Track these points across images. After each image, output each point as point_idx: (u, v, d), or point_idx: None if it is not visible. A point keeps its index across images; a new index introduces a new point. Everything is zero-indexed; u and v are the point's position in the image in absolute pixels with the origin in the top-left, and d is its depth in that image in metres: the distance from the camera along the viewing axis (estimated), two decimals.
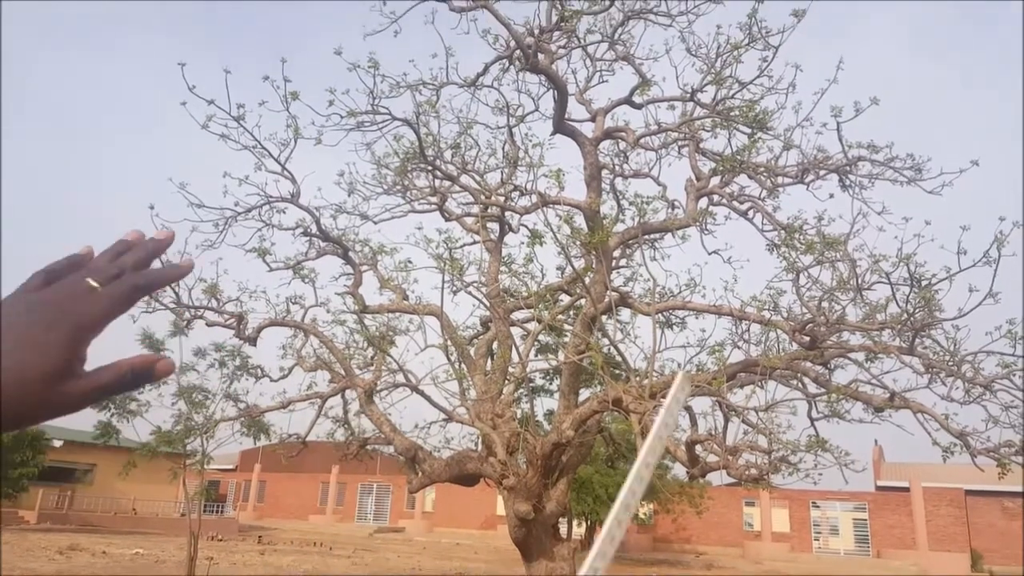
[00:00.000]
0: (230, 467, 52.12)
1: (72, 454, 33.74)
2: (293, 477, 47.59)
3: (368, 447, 11.98)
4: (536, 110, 10.39)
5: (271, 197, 9.93)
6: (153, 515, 35.13)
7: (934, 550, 32.58)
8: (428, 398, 9.86)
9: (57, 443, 31.93)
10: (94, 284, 0.65)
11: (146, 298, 10.24)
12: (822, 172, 9.44)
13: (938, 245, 7.56)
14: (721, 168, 9.48)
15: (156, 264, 0.72)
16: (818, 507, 36.61)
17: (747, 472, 7.75)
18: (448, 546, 33.70)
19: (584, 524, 30.21)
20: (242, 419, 12.20)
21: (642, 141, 9.88)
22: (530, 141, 10.23)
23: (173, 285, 10.15)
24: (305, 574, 17.66)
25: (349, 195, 10.86)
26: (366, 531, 40.41)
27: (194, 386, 12.68)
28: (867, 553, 34.88)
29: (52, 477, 32.02)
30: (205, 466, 13.21)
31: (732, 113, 9.16)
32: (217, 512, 40.68)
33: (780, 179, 9.62)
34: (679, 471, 25.25)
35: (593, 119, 9.87)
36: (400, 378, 10.41)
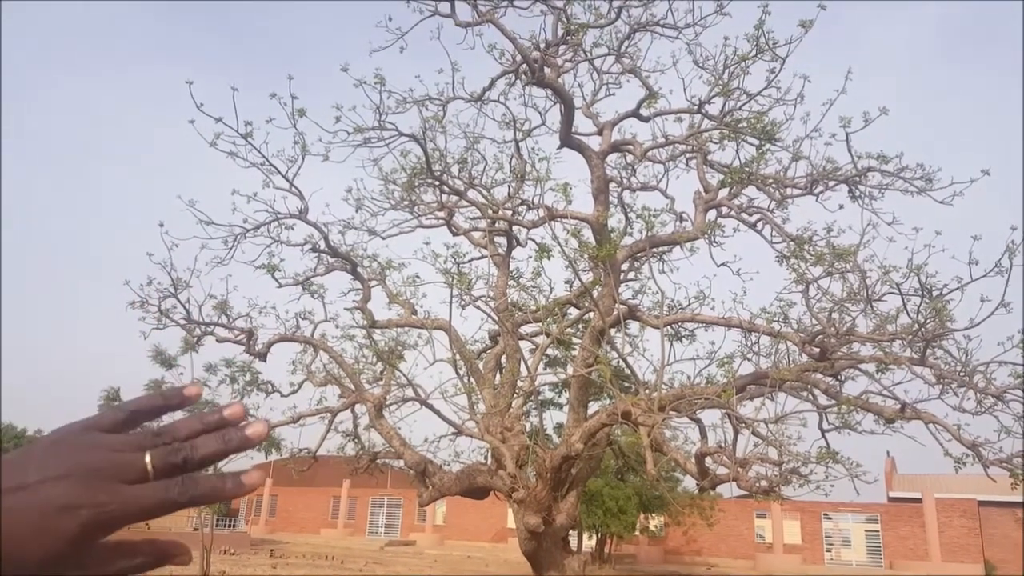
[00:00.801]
0: None
1: None
2: (304, 491, 47.59)
3: (378, 461, 11.99)
4: (543, 124, 10.46)
5: (279, 214, 10.01)
6: (166, 529, 35.13)
7: (947, 561, 32.22)
8: (437, 412, 9.88)
9: None
10: (149, 468, 0.59)
11: (157, 315, 10.29)
12: (831, 183, 9.43)
13: (949, 255, 7.52)
14: (729, 180, 9.48)
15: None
16: (830, 519, 36.29)
17: (757, 484, 7.71)
18: (459, 559, 33.57)
19: (594, 537, 30.05)
20: None
21: (649, 154, 9.91)
22: (537, 155, 10.30)
23: (185, 302, 10.23)
24: None
25: (357, 211, 10.95)
26: (377, 544, 40.32)
27: (205, 402, 12.74)
28: (880, 565, 34.52)
29: None
30: None
31: (740, 125, 9.18)
32: (229, 526, 40.68)
33: (789, 190, 9.61)
34: (689, 484, 25.13)
35: (600, 132, 9.91)
36: (409, 392, 10.44)
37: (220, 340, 11.14)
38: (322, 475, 38.90)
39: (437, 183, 10.60)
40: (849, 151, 8.99)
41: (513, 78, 9.66)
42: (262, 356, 11.24)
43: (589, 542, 30.39)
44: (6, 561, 0.52)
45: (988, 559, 33.38)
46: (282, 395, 12.23)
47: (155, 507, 0.58)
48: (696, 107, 9.32)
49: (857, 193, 9.39)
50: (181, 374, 12.52)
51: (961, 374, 8.12)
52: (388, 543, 41.05)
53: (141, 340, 10.71)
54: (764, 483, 7.72)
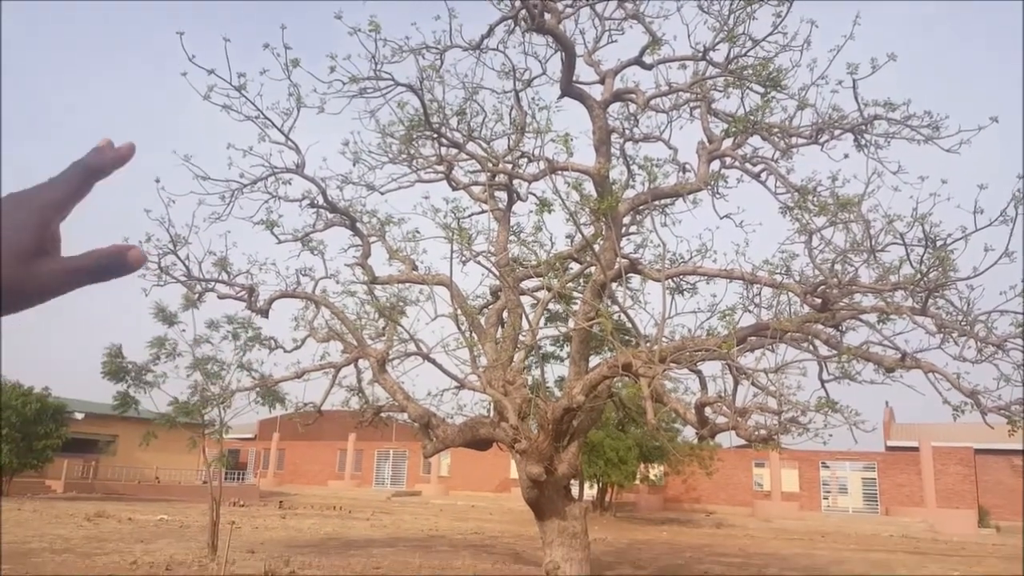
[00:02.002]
0: (249, 436, 52.94)
1: (94, 426, 34.31)
2: (311, 445, 48.30)
3: (383, 415, 12.12)
4: (543, 73, 10.25)
5: (276, 168, 9.90)
6: (176, 483, 35.81)
7: (942, 507, 32.80)
8: (440, 367, 9.93)
9: (79, 415, 32.46)
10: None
11: (157, 272, 10.23)
12: (837, 132, 9.29)
13: (954, 204, 7.46)
14: (733, 129, 9.34)
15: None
16: (827, 467, 36.85)
17: (756, 433, 7.79)
18: (464, 508, 34.24)
19: (595, 486, 30.57)
20: (257, 389, 12.35)
21: (652, 103, 9.74)
22: (537, 105, 10.10)
23: (181, 252, 10.20)
24: (326, 536, 18.02)
25: (354, 165, 10.82)
26: (384, 495, 41.08)
27: (208, 357, 12.83)
28: (875, 511, 35.17)
29: (76, 448, 32.61)
30: (223, 435, 13.43)
31: (745, 72, 8.99)
32: (238, 480, 41.41)
33: (794, 140, 9.48)
34: (689, 434, 25.44)
35: (602, 81, 9.72)
36: (412, 347, 10.48)
37: (221, 297, 11.16)
38: (328, 429, 39.45)
39: (435, 135, 10.45)
40: (856, 99, 8.84)
41: (512, 25, 9.43)
42: (264, 312, 11.27)
43: (590, 491, 30.95)
44: None
45: (982, 505, 33.98)
46: (285, 351, 12.30)
47: (75, 177, 0.67)
48: (700, 54, 9.12)
49: (863, 142, 9.26)
50: (183, 331, 12.59)
51: (962, 323, 8.12)
52: (394, 494, 41.80)
53: (142, 297, 10.73)
54: (763, 432, 7.79)
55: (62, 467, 31.40)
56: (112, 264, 0.66)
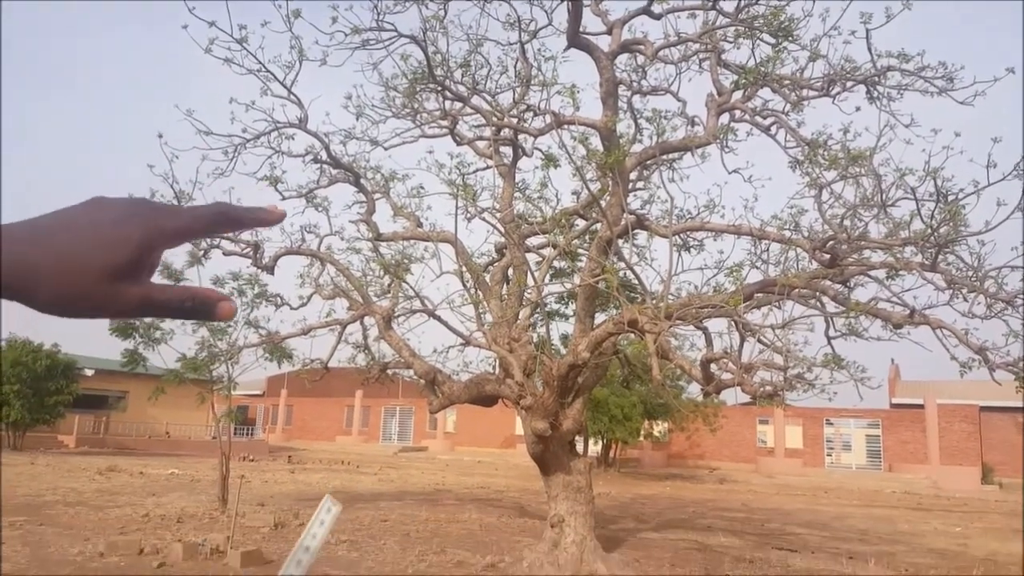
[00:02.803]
0: (258, 393, 53.56)
1: (104, 382, 34.71)
2: (319, 401, 48.84)
3: (389, 371, 12.19)
4: (549, 24, 10.01)
5: (279, 123, 9.79)
6: (186, 438, 36.34)
7: (945, 464, 33.06)
8: (445, 323, 9.94)
9: (88, 372, 32.81)
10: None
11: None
12: (849, 84, 9.09)
13: (967, 158, 7.33)
14: (744, 81, 9.14)
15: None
16: (832, 424, 37.09)
17: (762, 389, 7.80)
18: (470, 463, 34.71)
19: (600, 442, 30.88)
20: (264, 345, 12.41)
21: (661, 54, 9.52)
22: (543, 56, 9.89)
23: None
24: (334, 490, 18.32)
25: (357, 119, 10.67)
26: (390, 451, 41.65)
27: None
28: (879, 468, 35.50)
29: (87, 404, 33.05)
30: (232, 391, 13.55)
31: (756, 21, 8.78)
32: (247, 435, 42.00)
33: (805, 92, 9.29)
34: (693, 391, 25.57)
35: (609, 32, 9.50)
36: (417, 304, 10.48)
37: (227, 253, 11.14)
38: (335, 386, 39.78)
39: (439, 89, 10.28)
40: (869, 49, 8.63)
41: None
42: (269, 269, 11.26)
43: (595, 447, 31.25)
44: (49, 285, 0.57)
45: (986, 462, 34.24)
46: (292, 308, 12.33)
47: (204, 216, 0.63)
48: (711, 2, 8.89)
49: (875, 94, 9.07)
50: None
51: (972, 279, 8.04)
52: (401, 450, 42.37)
53: None
54: (769, 388, 7.80)
55: (74, 423, 31.87)
56: (201, 310, 0.63)
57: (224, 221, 0.64)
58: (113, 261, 0.58)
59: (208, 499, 14.00)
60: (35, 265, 0.57)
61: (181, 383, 13.85)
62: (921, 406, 35.21)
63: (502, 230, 10.57)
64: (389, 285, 11.67)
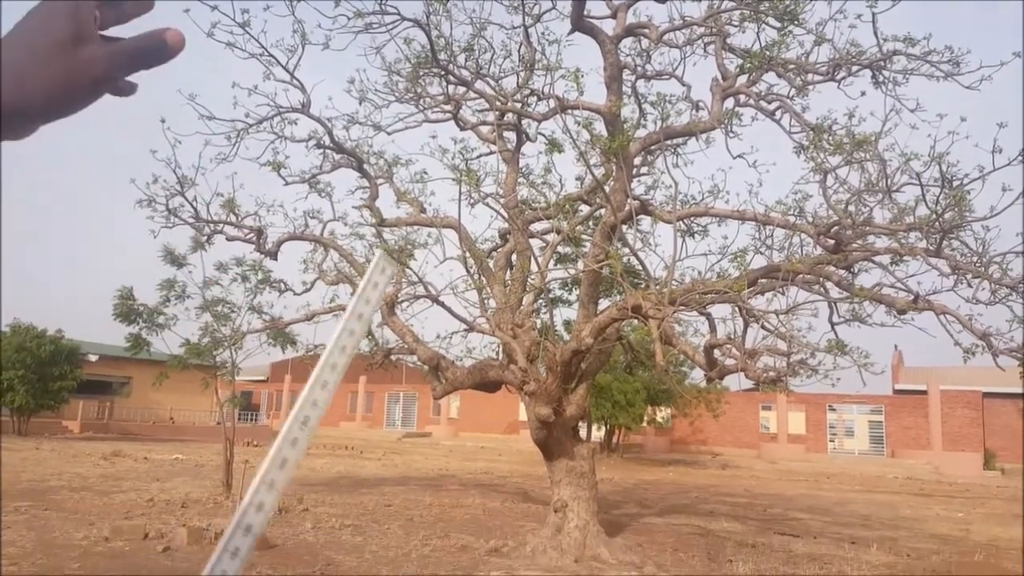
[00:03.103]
0: (262, 378, 53.74)
1: (108, 368, 34.85)
2: None
3: (392, 357, 12.20)
4: (553, 7, 9.94)
5: (282, 107, 9.75)
6: (190, 424, 36.53)
7: (948, 450, 33.12)
8: (449, 309, 9.94)
9: (92, 357, 32.93)
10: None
11: (165, 214, 10.19)
12: (854, 68, 9.03)
13: (973, 143, 7.28)
14: (748, 66, 9.08)
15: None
16: (834, 410, 37.14)
17: (765, 375, 7.80)
18: (473, 449, 34.85)
19: (603, 428, 30.97)
20: (268, 331, 12.44)
21: (665, 38, 9.45)
22: (547, 40, 9.82)
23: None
24: (338, 475, 18.40)
25: (360, 103, 10.62)
26: (394, 436, 41.82)
27: (218, 299, 12.88)
28: (881, 453, 35.57)
29: (91, 390, 33.19)
30: (235, 376, 13.59)
31: (761, 5, 8.70)
32: (251, 421, 42.18)
33: (810, 76, 9.22)
34: (697, 377, 25.60)
35: (614, 15, 9.43)
36: (421, 290, 10.48)
37: (230, 239, 11.14)
38: None
39: (443, 73, 10.23)
40: (875, 33, 8.56)
41: None
42: (272, 255, 11.26)
43: (598, 433, 31.36)
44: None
45: (988, 448, 34.29)
46: (295, 293, 12.35)
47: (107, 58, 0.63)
48: None
49: (881, 79, 9.01)
50: (191, 272, 12.61)
51: (977, 265, 8.00)
52: (404, 435, 42.54)
53: (151, 241, 10.72)
54: (772, 374, 7.80)
55: (78, 408, 32.02)
56: (152, 46, 0.64)
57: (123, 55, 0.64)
58: (60, 31, 0.61)
59: (212, 484, 14.08)
60: None
61: (185, 368, 13.90)
62: (924, 392, 35.23)
63: (506, 216, 10.54)
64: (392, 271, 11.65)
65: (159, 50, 0.64)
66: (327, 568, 7.79)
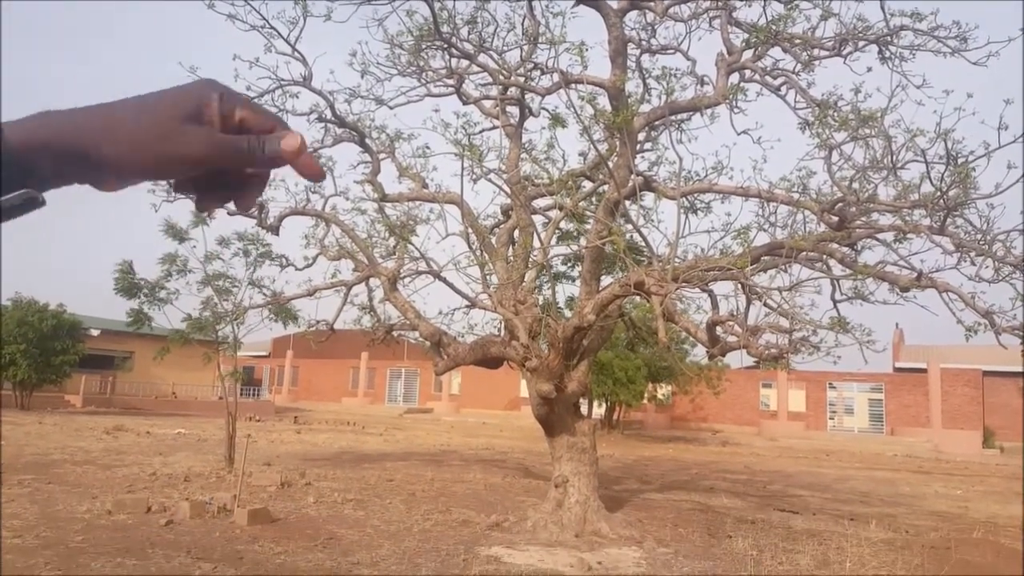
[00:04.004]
0: (263, 354, 53.94)
1: (109, 342, 34.95)
2: (324, 363, 49.17)
3: (394, 333, 12.22)
4: None
5: (283, 80, 9.66)
6: (192, 399, 36.70)
7: (947, 428, 33.26)
8: (451, 285, 9.93)
9: (94, 332, 33.01)
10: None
11: (167, 188, 10.19)
12: (861, 43, 8.92)
13: (979, 120, 7.21)
14: (754, 40, 8.97)
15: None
16: (835, 388, 37.25)
17: (767, 352, 7.80)
18: (475, 425, 35.05)
19: (604, 405, 31.10)
20: (270, 306, 12.44)
21: (671, 11, 9.34)
22: (551, 12, 9.70)
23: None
24: (340, 450, 18.52)
25: (362, 77, 10.52)
26: (396, 412, 42.04)
27: (220, 274, 12.87)
28: (881, 431, 35.73)
29: (93, 364, 33.30)
30: (237, 351, 13.63)
31: None
32: (254, 396, 42.38)
33: (816, 52, 9.12)
34: (698, 354, 25.64)
35: None
36: (423, 266, 10.46)
37: (231, 213, 11.08)
38: (340, 347, 39.98)
39: (445, 46, 10.11)
40: (882, 7, 8.46)
41: None
42: (274, 229, 11.23)
43: (599, 410, 31.50)
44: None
45: (988, 426, 34.43)
46: (297, 269, 12.33)
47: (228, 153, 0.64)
48: None
49: (887, 54, 8.91)
50: (194, 247, 12.59)
51: (980, 243, 7.97)
52: (406, 411, 42.77)
53: (151, 214, 10.68)
54: (774, 351, 7.81)
55: (80, 382, 32.16)
56: (265, 149, 0.64)
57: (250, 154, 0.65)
58: (187, 104, 0.63)
59: (215, 458, 14.17)
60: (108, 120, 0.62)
61: (187, 343, 13.93)
62: (924, 370, 35.31)
63: (508, 191, 10.49)
64: (395, 246, 11.63)
65: (272, 157, 0.64)
66: (329, 542, 7.86)
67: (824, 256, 8.89)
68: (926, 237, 8.02)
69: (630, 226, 9.09)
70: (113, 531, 7.82)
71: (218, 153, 0.63)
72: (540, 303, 10.62)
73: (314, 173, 0.67)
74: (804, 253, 8.39)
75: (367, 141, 10.98)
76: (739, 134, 9.55)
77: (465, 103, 10.96)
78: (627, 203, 9.12)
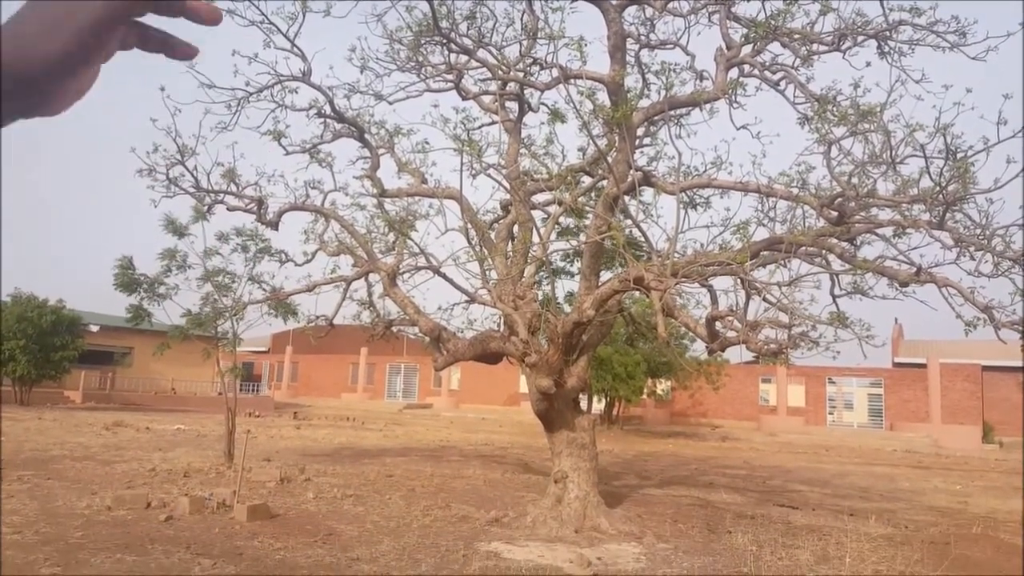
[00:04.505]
0: (263, 349, 53.91)
1: (109, 338, 34.95)
2: (324, 358, 49.17)
3: (394, 328, 12.21)
4: None
5: (282, 76, 9.65)
6: (192, 394, 36.72)
7: (947, 423, 33.29)
8: (450, 280, 9.93)
9: (94, 328, 33.00)
10: None
11: (166, 183, 10.16)
12: (860, 38, 8.91)
13: (978, 115, 7.21)
14: (753, 35, 8.96)
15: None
16: (834, 383, 37.28)
17: (767, 347, 7.80)
18: (474, 420, 35.07)
19: (603, 400, 31.12)
20: (269, 302, 12.44)
21: (670, 6, 9.32)
22: (550, 8, 9.68)
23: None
24: (340, 445, 18.54)
25: (362, 72, 10.51)
26: (395, 408, 42.05)
27: (219, 269, 12.86)
28: (880, 426, 35.77)
29: (92, 360, 33.31)
30: (237, 347, 13.62)
31: None
32: (253, 391, 42.40)
33: (815, 46, 9.11)
34: (698, 349, 25.66)
35: None
36: (422, 261, 10.46)
37: (231, 209, 11.10)
38: (340, 342, 40.00)
39: (445, 41, 10.09)
40: (881, 2, 8.44)
41: None
42: (273, 225, 11.22)
43: (598, 405, 31.52)
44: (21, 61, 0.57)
45: (987, 421, 34.46)
46: (296, 264, 12.33)
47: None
48: None
49: (886, 49, 8.90)
50: (193, 242, 12.58)
51: (980, 237, 7.97)
52: (406, 406, 42.78)
53: (151, 210, 10.68)
54: (773, 346, 7.81)
55: (79, 378, 32.17)
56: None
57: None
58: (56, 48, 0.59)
59: (214, 454, 14.18)
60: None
61: (186, 339, 13.92)
62: (924, 365, 35.33)
63: (508, 186, 10.48)
64: (394, 242, 11.63)
65: (182, 8, 0.62)
66: (328, 537, 7.87)
67: (823, 251, 8.89)
68: (925, 232, 8.02)
69: (629, 221, 9.09)
70: (112, 527, 7.83)
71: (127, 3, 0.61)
72: (539, 298, 10.63)
73: (211, 16, 0.65)
74: (803, 248, 8.38)
75: (366, 136, 10.96)
76: (738, 129, 9.55)
77: (464, 98, 10.94)
78: (626, 198, 9.12)
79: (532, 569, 7.05)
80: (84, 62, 0.60)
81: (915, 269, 8.07)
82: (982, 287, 7.98)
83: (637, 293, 8.97)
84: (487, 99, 11.12)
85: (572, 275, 14.60)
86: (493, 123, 11.25)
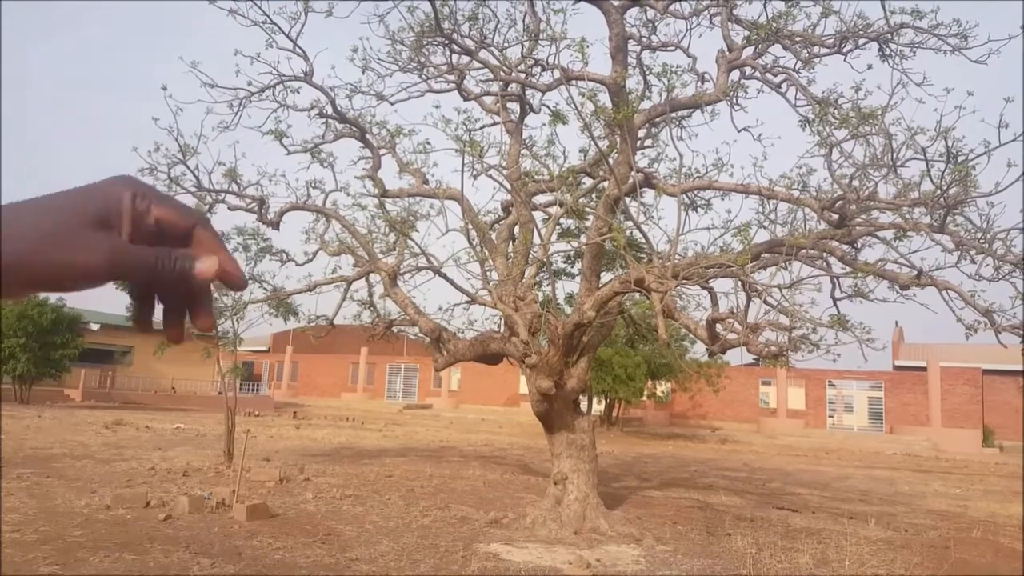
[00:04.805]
0: (263, 349, 53.93)
1: (109, 337, 34.96)
2: (324, 358, 49.19)
3: (394, 328, 12.22)
4: None
5: (284, 76, 9.65)
6: (192, 393, 36.73)
7: (947, 426, 33.28)
8: (451, 281, 9.93)
9: (94, 326, 33.01)
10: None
11: (167, 183, 10.18)
12: (861, 41, 8.91)
13: (979, 118, 7.21)
14: (755, 37, 8.96)
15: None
16: (834, 386, 37.27)
17: (767, 350, 7.79)
18: (474, 421, 35.07)
19: (603, 401, 31.12)
20: (270, 301, 12.44)
21: (672, 8, 9.32)
22: (552, 9, 9.68)
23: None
24: (339, 445, 18.54)
25: (363, 72, 10.51)
26: (395, 408, 42.05)
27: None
28: (880, 429, 35.75)
29: (92, 358, 33.32)
30: (237, 347, 13.62)
31: None
32: (253, 391, 42.41)
33: (817, 49, 9.11)
34: (698, 351, 25.67)
35: None
36: (423, 262, 10.46)
37: (232, 208, 11.10)
38: (340, 342, 40.05)
39: (446, 42, 10.10)
40: (882, 5, 8.44)
41: None
42: (274, 225, 11.22)
43: (598, 407, 31.52)
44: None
45: (987, 425, 34.44)
46: (297, 264, 12.32)
47: (138, 266, 0.59)
48: None
49: (888, 52, 8.90)
50: None
51: (980, 241, 7.96)
52: (406, 407, 42.78)
53: None
54: (774, 348, 7.80)
55: (80, 377, 32.18)
56: (176, 268, 0.59)
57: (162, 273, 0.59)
58: (94, 209, 0.57)
59: (214, 453, 14.18)
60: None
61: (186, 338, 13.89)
62: (924, 369, 35.32)
63: (509, 187, 10.48)
64: (395, 242, 11.63)
65: (183, 275, 0.59)
66: (327, 537, 7.87)
67: (824, 254, 8.88)
68: (926, 235, 8.01)
69: (630, 223, 9.08)
70: (112, 526, 7.83)
71: (120, 266, 0.57)
72: (540, 299, 10.62)
73: (235, 283, 0.62)
74: (804, 251, 8.38)
75: (368, 137, 10.97)
76: (739, 131, 9.55)
77: (466, 99, 10.95)
78: (627, 200, 9.12)
79: (531, 570, 7.05)
80: (69, 290, 0.59)
81: (916, 272, 8.06)
82: (983, 291, 7.98)
83: (638, 295, 8.96)
84: (489, 100, 11.12)
85: (573, 276, 14.61)
86: (494, 124, 11.25)
